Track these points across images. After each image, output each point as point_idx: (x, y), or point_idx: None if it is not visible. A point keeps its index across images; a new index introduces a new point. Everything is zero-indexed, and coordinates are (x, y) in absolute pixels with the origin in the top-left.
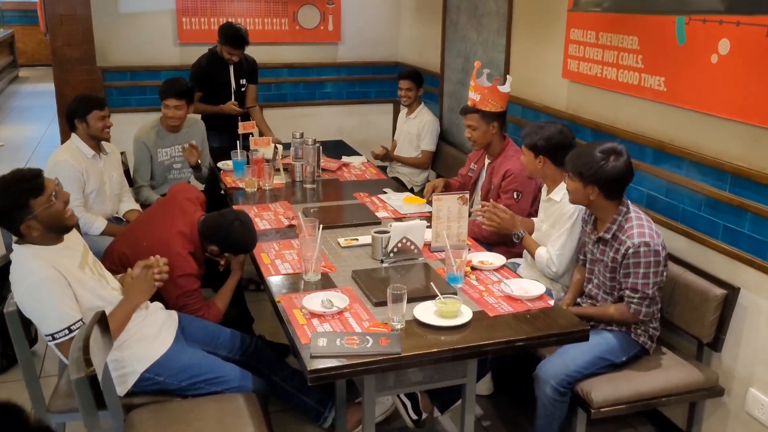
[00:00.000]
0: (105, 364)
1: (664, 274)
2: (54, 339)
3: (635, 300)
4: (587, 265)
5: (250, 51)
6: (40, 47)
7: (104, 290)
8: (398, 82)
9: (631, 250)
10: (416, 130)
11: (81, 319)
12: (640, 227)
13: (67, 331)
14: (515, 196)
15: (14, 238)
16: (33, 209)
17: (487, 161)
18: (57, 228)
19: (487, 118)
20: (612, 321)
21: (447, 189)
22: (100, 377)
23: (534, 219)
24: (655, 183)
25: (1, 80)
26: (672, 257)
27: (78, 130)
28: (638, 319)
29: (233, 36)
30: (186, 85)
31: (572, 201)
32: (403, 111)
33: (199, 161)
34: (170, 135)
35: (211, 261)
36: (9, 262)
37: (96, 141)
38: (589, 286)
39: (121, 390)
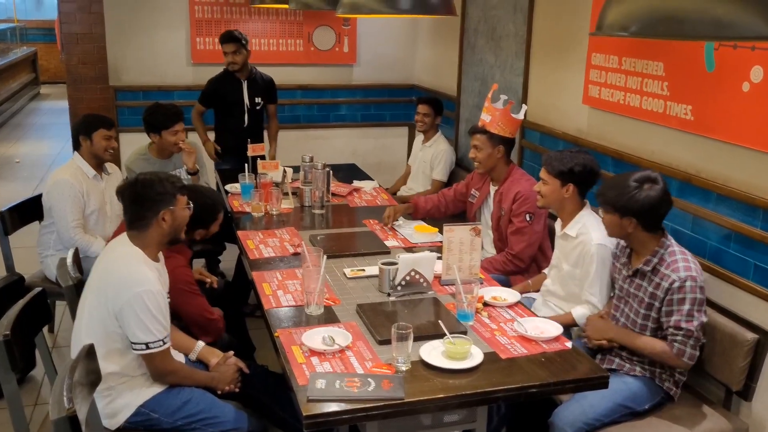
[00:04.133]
0: (92, 400)
1: (706, 314)
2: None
3: (679, 338)
4: (614, 301)
5: (265, 71)
6: (61, 65)
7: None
8: (416, 106)
9: (676, 284)
10: (430, 158)
11: (162, 339)
12: (685, 261)
13: (144, 347)
14: (528, 219)
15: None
16: (176, 203)
17: (492, 188)
18: (177, 234)
19: (494, 141)
20: (653, 357)
21: (416, 210)
22: (84, 416)
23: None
24: (681, 217)
25: (22, 97)
26: None
27: (82, 148)
28: (681, 361)
29: (223, 34)
30: (177, 106)
31: (610, 235)
32: (419, 138)
33: (197, 167)
34: (160, 161)
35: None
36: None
37: (98, 161)
38: (612, 323)
39: (112, 423)
